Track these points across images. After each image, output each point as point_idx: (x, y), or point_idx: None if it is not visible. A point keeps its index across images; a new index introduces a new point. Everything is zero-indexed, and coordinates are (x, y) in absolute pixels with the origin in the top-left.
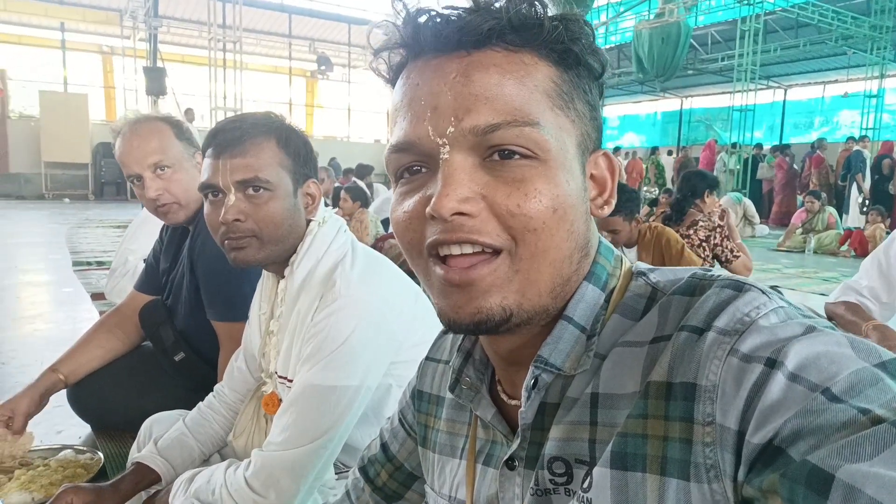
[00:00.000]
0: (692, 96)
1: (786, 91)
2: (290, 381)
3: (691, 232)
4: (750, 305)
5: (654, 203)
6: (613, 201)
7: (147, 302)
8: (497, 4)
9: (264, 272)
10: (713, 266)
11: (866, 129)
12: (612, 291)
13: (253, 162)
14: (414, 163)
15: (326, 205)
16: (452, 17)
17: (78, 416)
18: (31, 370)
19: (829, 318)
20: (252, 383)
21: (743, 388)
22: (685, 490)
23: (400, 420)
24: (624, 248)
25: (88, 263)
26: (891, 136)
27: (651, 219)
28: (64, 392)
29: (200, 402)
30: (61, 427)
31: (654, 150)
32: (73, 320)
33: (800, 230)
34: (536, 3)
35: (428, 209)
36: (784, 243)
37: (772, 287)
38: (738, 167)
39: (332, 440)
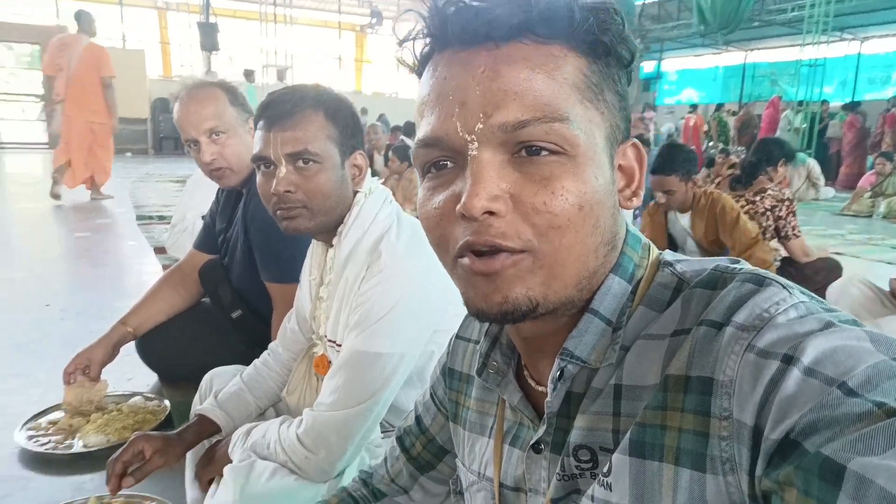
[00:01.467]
0: (757, 49)
1: (861, 43)
2: (339, 345)
3: (757, 199)
4: (769, 301)
5: (710, 163)
6: (642, 192)
7: (206, 261)
8: None
9: (314, 240)
10: (771, 239)
11: None
12: (638, 282)
13: (302, 135)
14: (441, 158)
15: (374, 173)
16: (481, 9)
17: (146, 366)
18: (102, 322)
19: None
20: (303, 343)
21: (759, 383)
22: (700, 481)
23: (431, 395)
24: (678, 213)
25: (150, 218)
26: None
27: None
28: (133, 344)
29: (256, 360)
30: (131, 375)
31: (720, 106)
32: (139, 273)
33: (868, 194)
34: None
35: (458, 207)
36: (850, 207)
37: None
38: (804, 125)
39: (378, 403)
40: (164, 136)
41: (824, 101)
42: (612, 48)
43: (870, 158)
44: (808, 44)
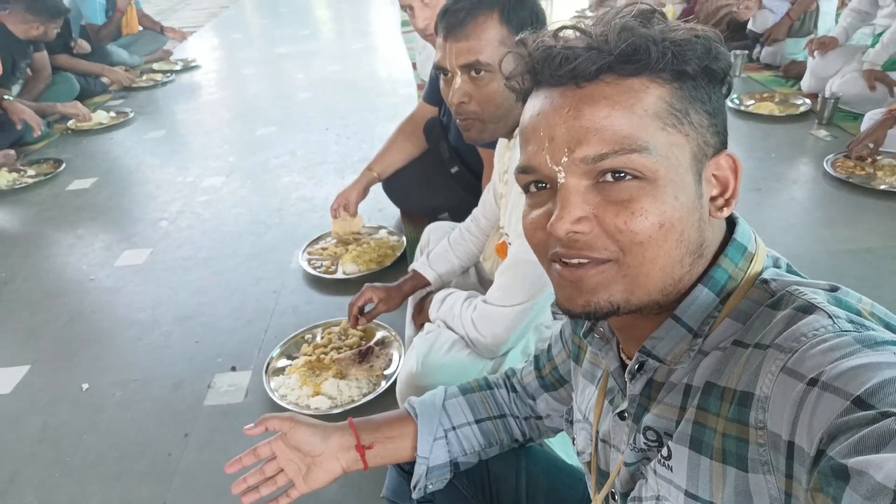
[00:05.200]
0: None
1: None
2: (511, 242)
3: None
4: (810, 327)
5: None
6: (735, 201)
7: (428, 119)
8: (608, 37)
9: None
10: None
11: None
12: (729, 294)
13: (475, 45)
14: (537, 181)
15: None
16: (566, 56)
17: (391, 200)
18: (365, 146)
19: None
20: (498, 214)
21: (791, 402)
22: (743, 477)
23: (561, 331)
24: None
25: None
26: None
27: None
28: (380, 185)
29: (462, 224)
30: (381, 207)
31: None
32: (397, 94)
33: None
34: (644, 33)
35: (547, 226)
36: None
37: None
38: None
39: (537, 303)
40: None
41: None
42: (696, 73)
43: None
44: None
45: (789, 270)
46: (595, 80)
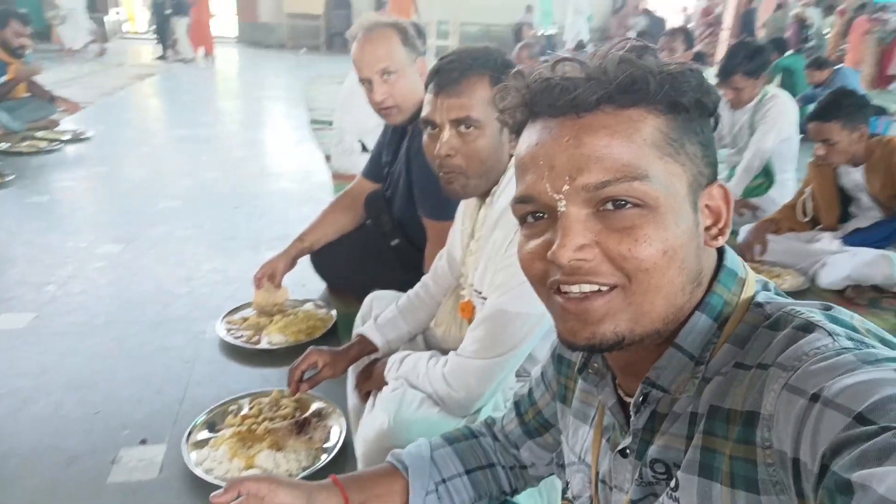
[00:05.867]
0: None
1: None
2: (485, 297)
3: None
4: (811, 345)
5: None
6: (728, 231)
7: (372, 191)
8: (607, 69)
9: None
10: None
11: None
12: (726, 319)
13: (466, 101)
14: (535, 211)
15: None
16: (565, 87)
17: (318, 275)
18: (278, 226)
19: None
20: (451, 281)
21: (794, 418)
22: (756, 500)
23: (542, 374)
24: (850, 167)
25: (322, 122)
26: None
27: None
28: (308, 256)
29: (410, 290)
30: (304, 282)
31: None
32: (310, 181)
33: None
34: (642, 66)
35: (549, 255)
36: None
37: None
38: None
39: (515, 356)
40: (334, 33)
41: None
42: (690, 105)
43: None
44: None
45: (777, 293)
46: (594, 110)
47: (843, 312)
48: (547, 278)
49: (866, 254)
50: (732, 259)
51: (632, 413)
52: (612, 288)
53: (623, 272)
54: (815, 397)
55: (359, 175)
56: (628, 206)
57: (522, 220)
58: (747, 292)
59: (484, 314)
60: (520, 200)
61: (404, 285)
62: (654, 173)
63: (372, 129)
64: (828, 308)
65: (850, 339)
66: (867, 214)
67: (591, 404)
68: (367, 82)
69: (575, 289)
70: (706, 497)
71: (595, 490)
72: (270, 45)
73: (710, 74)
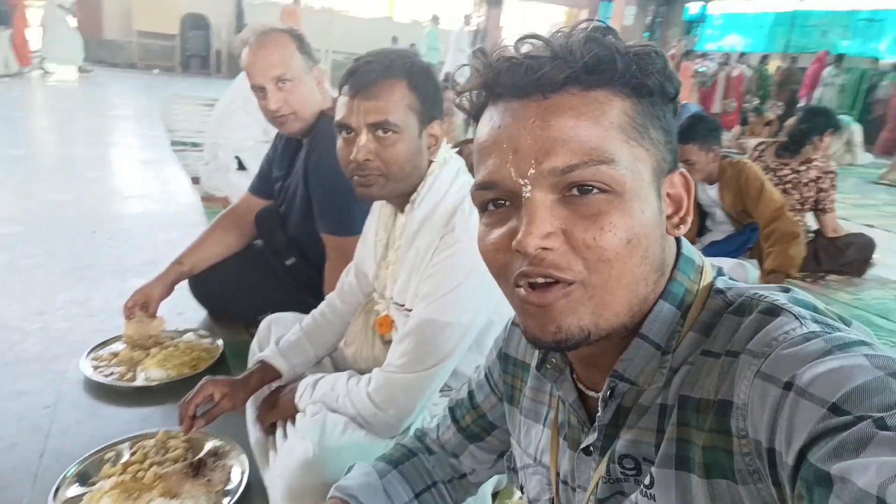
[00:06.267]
0: None
1: None
2: (409, 310)
3: (802, 168)
4: (779, 330)
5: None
6: (689, 219)
7: (263, 208)
8: (572, 48)
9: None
10: (808, 210)
11: None
12: (689, 307)
13: (384, 105)
14: (498, 198)
15: None
16: (530, 66)
17: (198, 302)
18: (145, 251)
19: None
20: (361, 297)
21: (768, 407)
22: (734, 489)
23: (486, 375)
24: (706, 185)
25: (184, 144)
26: None
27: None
28: (185, 282)
29: (314, 310)
30: (182, 310)
31: (765, 57)
32: (177, 203)
33: None
34: (609, 44)
35: (514, 244)
36: (887, 176)
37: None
38: (848, 83)
39: (445, 368)
40: (191, 55)
41: (874, 59)
42: (655, 88)
43: None
44: None
45: (731, 279)
46: (560, 90)
47: (802, 294)
48: (510, 270)
49: (725, 262)
50: (688, 247)
51: (599, 408)
52: (572, 283)
53: (584, 264)
54: (788, 385)
55: (245, 192)
56: (594, 191)
57: (483, 208)
58: (706, 279)
59: (410, 326)
60: (481, 186)
61: (301, 306)
62: (620, 157)
63: (250, 146)
64: (786, 290)
65: (816, 321)
66: (720, 228)
67: (542, 402)
68: (259, 90)
69: (540, 280)
70: (686, 490)
71: (556, 491)
72: (118, 63)
73: None
